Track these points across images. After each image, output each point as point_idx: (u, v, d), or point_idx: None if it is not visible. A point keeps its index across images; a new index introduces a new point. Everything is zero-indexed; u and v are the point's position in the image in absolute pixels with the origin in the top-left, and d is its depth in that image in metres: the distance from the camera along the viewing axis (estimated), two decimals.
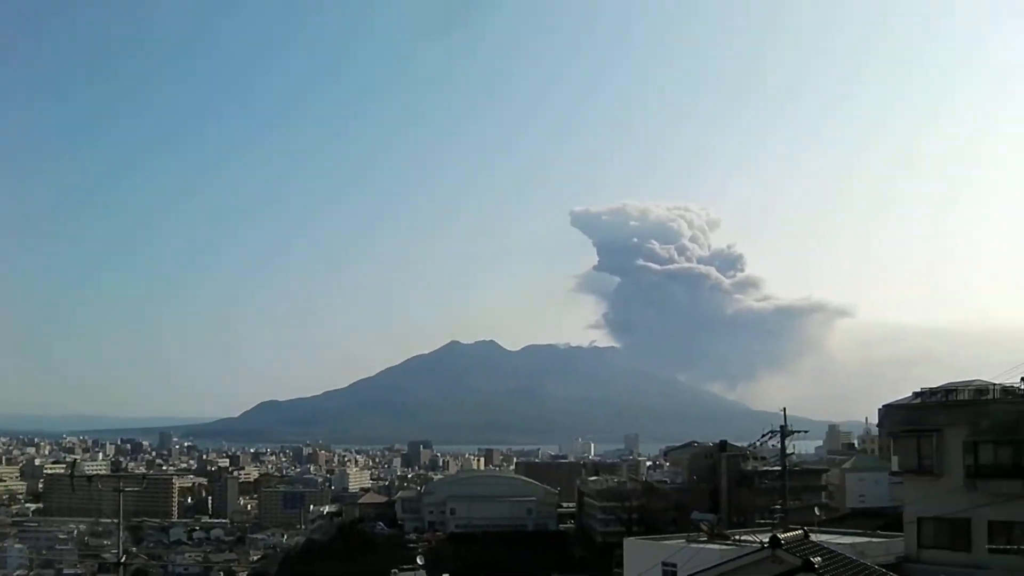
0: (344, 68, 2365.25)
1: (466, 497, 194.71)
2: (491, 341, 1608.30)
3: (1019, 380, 55.88)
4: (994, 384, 57.47)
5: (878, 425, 76.41)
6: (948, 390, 59.57)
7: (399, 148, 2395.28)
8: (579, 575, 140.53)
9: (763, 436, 77.62)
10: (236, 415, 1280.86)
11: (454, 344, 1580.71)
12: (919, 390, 61.93)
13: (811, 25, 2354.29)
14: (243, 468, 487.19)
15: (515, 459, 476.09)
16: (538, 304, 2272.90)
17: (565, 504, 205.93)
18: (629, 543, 74.40)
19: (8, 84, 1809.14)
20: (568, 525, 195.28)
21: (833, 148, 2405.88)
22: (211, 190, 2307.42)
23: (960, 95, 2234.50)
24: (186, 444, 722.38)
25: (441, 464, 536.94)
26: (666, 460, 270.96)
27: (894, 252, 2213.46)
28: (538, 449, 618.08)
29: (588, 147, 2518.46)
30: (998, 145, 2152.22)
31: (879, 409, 64.00)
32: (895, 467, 61.52)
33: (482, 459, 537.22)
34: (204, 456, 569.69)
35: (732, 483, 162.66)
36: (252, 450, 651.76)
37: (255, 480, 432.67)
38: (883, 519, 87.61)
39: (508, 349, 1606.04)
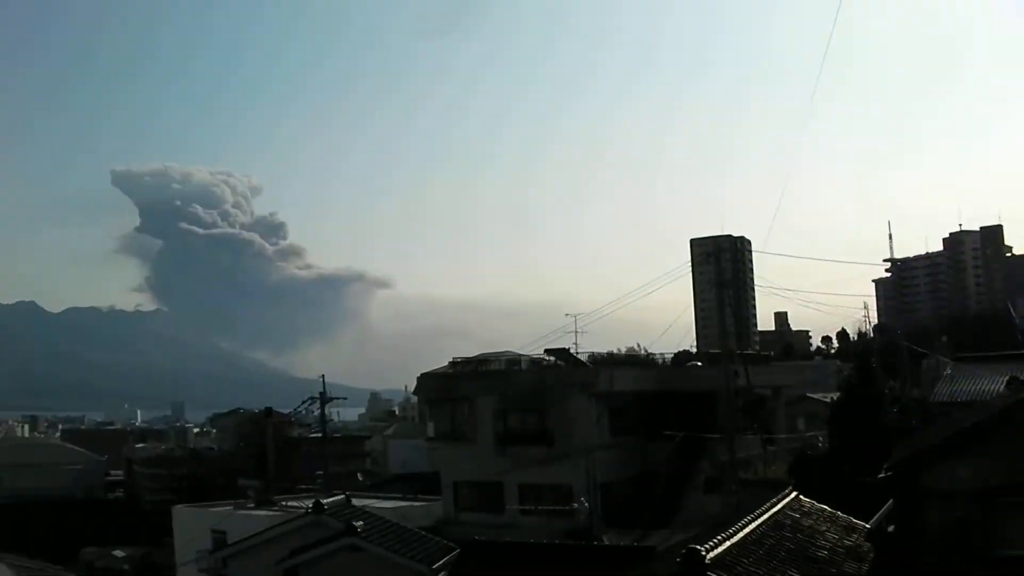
0: None
1: (11, 466, 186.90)
2: (31, 302, 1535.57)
3: (544, 352, 59.91)
4: (523, 355, 61.25)
5: (415, 393, 79.24)
6: (480, 360, 62.95)
7: None
8: (129, 545, 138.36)
9: (303, 403, 78.84)
10: None
11: None
12: (453, 360, 65.03)
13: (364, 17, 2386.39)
14: None
15: (60, 426, 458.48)
16: (80, 265, 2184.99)
17: (113, 472, 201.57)
18: (177, 511, 74.42)
19: None
20: (117, 494, 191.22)
21: (375, 127, 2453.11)
22: None
23: (483, 82, 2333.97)
24: None
25: None
26: (213, 427, 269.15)
27: (429, 227, 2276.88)
28: (83, 416, 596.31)
29: (132, 106, 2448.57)
30: (518, 132, 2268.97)
31: (417, 378, 66.33)
32: (431, 433, 64.38)
33: (26, 426, 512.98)
34: None
35: (278, 449, 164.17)
36: None
37: None
38: (424, 483, 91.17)
39: (49, 311, 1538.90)
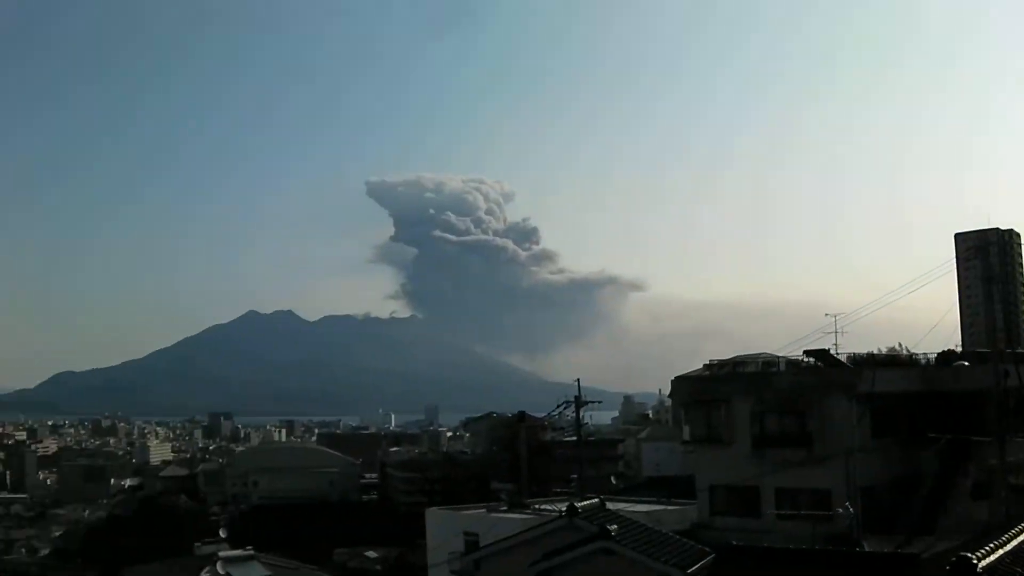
0: (152, 41, 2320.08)
1: (269, 469, 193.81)
2: (289, 311, 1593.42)
3: (802, 353, 58.38)
4: (780, 356, 59.87)
5: (670, 395, 78.38)
6: (737, 362, 61.79)
7: (210, 123, 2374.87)
8: (384, 546, 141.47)
9: (558, 406, 78.85)
10: (31, 386, 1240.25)
11: (252, 314, 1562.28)
12: (709, 362, 64.04)
13: (599, 13, 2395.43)
14: (41, 441, 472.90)
15: (316, 430, 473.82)
16: (336, 274, 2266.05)
17: (368, 475, 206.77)
18: (431, 513, 75.34)
19: None
20: (371, 496, 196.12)
21: (618, 127, 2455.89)
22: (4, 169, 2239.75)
23: (726, 80, 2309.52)
24: None
25: (243, 436, 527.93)
26: (466, 431, 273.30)
27: (684, 230, 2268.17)
28: (339, 420, 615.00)
29: (389, 120, 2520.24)
30: (767, 129, 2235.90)
31: (672, 380, 65.62)
32: (686, 436, 63.51)
33: (283, 431, 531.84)
34: (0, 429, 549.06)
35: (531, 453, 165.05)
36: (50, 423, 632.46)
37: (54, 453, 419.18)
38: (678, 487, 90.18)
39: (306, 319, 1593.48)
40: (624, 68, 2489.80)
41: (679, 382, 64.44)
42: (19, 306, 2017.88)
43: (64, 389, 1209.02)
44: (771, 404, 56.37)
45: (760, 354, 62.03)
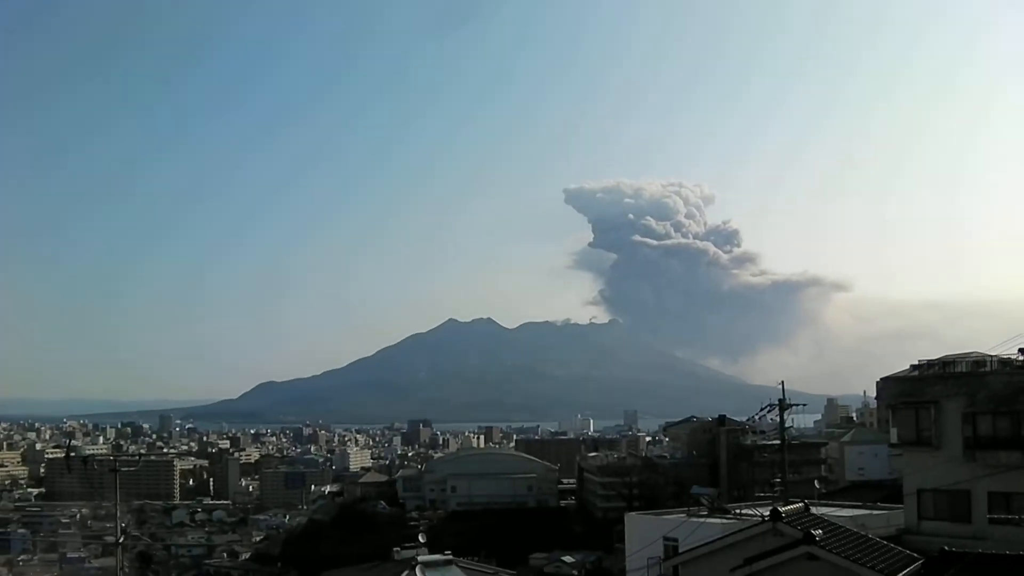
0: (353, 66, 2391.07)
1: (467, 475, 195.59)
2: (488, 319, 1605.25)
3: (1016, 352, 55.89)
4: (991, 356, 57.46)
5: (876, 398, 76.11)
6: (946, 362, 59.51)
7: (407, 138, 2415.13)
8: (580, 550, 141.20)
9: (761, 410, 77.29)
10: (235, 397, 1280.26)
11: (451, 322, 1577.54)
12: (917, 362, 61.91)
13: (811, 8, 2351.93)
14: (244, 449, 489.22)
15: (515, 436, 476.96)
16: (535, 281, 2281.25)
17: (565, 480, 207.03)
18: (630, 518, 74.43)
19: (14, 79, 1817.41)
20: (569, 501, 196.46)
21: (828, 127, 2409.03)
22: (218, 189, 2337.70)
23: (959, 76, 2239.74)
24: (186, 426, 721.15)
25: (441, 442, 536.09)
26: (665, 435, 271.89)
27: (890, 227, 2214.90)
28: (537, 426, 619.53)
29: (588, 131, 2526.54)
30: (994, 124, 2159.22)
31: (877, 382, 63.76)
32: (894, 439, 61.49)
33: (482, 437, 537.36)
34: (204, 438, 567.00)
35: (731, 457, 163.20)
36: (252, 431, 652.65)
37: (256, 461, 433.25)
38: (883, 491, 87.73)
39: (505, 327, 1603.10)
40: (848, 64, 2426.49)
41: (886, 383, 62.47)
42: (224, 320, 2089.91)
43: (267, 399, 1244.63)
44: (984, 405, 54.13)
45: (970, 353, 59.65)
